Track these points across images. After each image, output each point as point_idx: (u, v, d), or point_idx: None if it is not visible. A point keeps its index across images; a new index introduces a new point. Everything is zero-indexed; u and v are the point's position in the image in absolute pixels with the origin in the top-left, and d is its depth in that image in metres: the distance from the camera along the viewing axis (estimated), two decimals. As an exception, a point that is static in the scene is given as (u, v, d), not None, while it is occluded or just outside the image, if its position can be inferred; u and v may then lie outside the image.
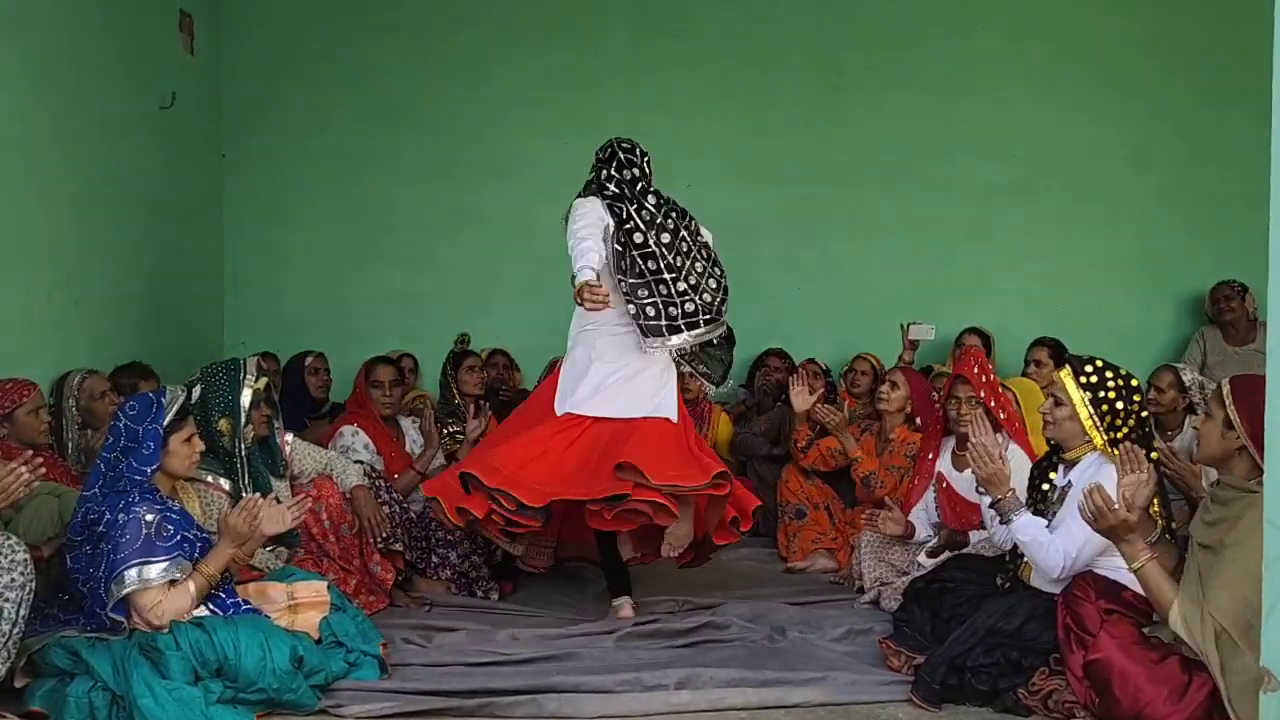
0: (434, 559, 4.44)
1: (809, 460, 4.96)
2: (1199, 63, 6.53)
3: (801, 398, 4.79)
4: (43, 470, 2.89)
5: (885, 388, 4.80)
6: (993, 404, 4.00)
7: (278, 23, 6.39)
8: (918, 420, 4.78)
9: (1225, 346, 6.14)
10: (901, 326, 5.79)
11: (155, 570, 2.98)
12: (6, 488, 2.75)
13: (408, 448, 4.88)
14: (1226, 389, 2.81)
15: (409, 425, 5.00)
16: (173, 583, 3.02)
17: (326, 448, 4.46)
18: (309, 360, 5.65)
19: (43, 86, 4.42)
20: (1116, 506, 2.79)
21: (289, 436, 4.16)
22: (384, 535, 4.11)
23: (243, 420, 3.69)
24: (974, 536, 3.98)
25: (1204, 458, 2.90)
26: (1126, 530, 2.80)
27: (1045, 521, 3.25)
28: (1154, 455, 3.22)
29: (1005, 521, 3.28)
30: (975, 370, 4.05)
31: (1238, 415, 2.75)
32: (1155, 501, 3.07)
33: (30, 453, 3.05)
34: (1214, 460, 2.88)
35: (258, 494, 3.27)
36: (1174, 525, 3.18)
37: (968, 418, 3.95)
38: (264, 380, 3.80)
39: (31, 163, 4.36)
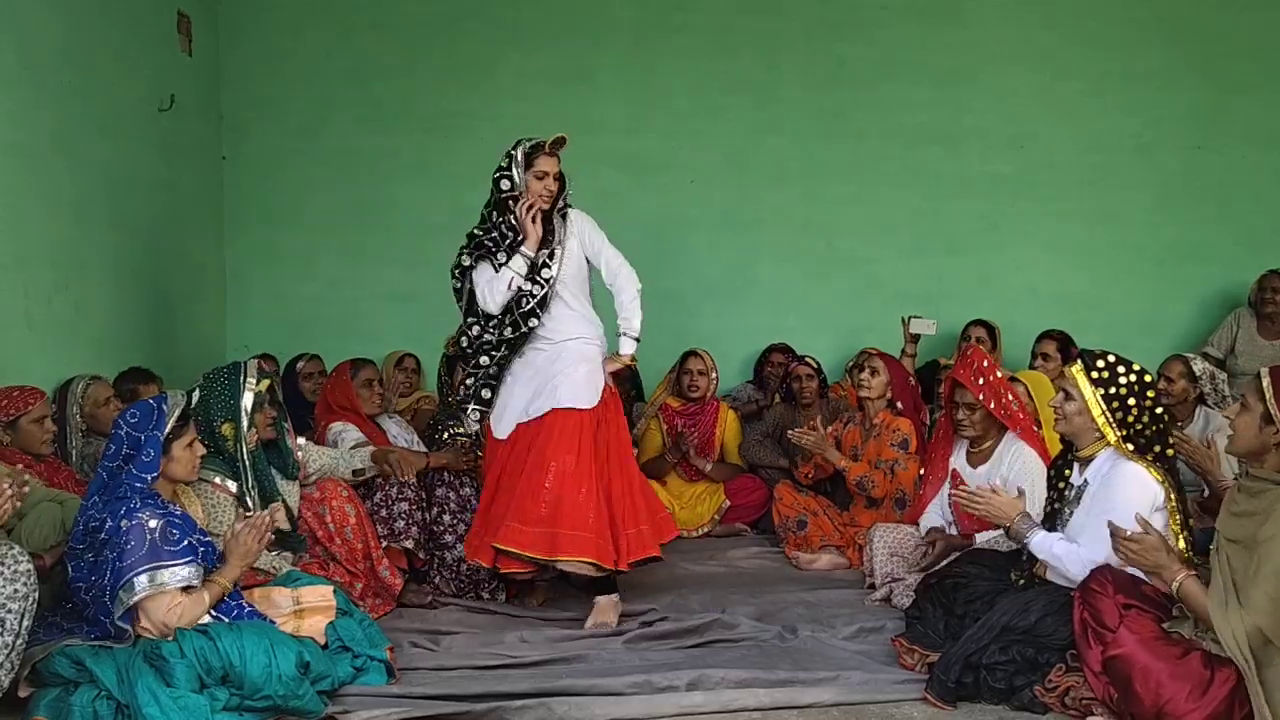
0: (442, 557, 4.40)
1: (813, 477, 5.11)
2: (1208, 50, 6.49)
3: (812, 443, 4.81)
4: (26, 490, 2.84)
5: (865, 375, 4.88)
6: (993, 405, 3.94)
7: (276, 23, 6.35)
8: (898, 405, 4.87)
9: (1257, 337, 5.96)
10: (903, 320, 5.76)
11: (168, 574, 2.94)
12: None
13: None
14: (1267, 381, 2.69)
15: (390, 424, 4.96)
16: (187, 589, 2.99)
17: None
18: (301, 365, 5.60)
19: (41, 89, 4.39)
20: (1149, 534, 2.78)
21: (300, 440, 4.13)
22: (407, 475, 4.18)
23: (245, 424, 3.66)
24: (981, 537, 3.93)
25: (1238, 450, 2.78)
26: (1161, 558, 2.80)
27: (1060, 534, 3.23)
28: (1170, 444, 3.20)
29: (1020, 545, 3.27)
30: (972, 377, 3.98)
31: None
32: (1175, 516, 3.04)
33: (20, 468, 3.00)
34: (1248, 453, 2.77)
35: (266, 513, 3.24)
36: (1190, 522, 3.12)
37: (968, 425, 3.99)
38: (265, 382, 3.76)
39: (30, 166, 4.32)
